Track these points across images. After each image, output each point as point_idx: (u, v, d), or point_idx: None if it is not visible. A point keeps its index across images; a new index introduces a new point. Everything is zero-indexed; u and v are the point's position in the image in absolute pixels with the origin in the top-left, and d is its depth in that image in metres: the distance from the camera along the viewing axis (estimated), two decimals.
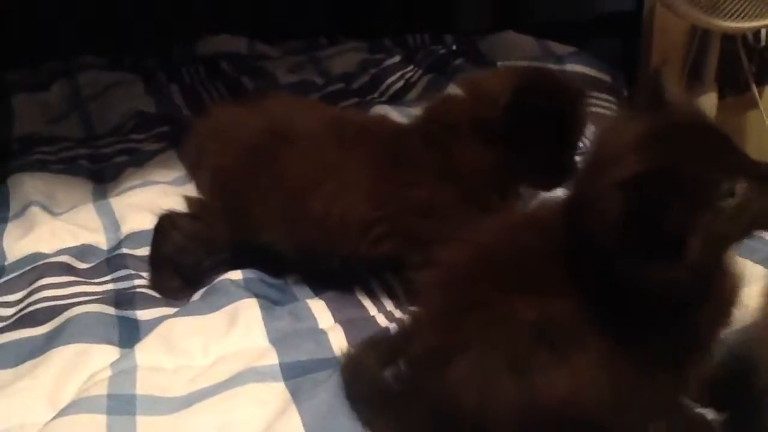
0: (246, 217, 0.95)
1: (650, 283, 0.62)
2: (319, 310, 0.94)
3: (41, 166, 1.36)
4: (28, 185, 1.27)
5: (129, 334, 0.91)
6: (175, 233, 0.98)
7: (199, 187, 1.02)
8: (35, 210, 1.19)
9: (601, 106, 1.78)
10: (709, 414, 0.80)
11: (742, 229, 0.63)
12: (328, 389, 0.77)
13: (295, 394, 0.78)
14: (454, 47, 1.82)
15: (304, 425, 0.73)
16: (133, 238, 1.12)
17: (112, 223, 1.18)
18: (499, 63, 1.74)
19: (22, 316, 0.95)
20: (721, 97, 2.03)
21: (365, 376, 0.77)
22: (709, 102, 1.97)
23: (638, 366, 0.66)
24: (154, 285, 1.01)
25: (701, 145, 0.62)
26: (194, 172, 1.06)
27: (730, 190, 0.61)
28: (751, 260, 1.00)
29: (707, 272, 0.64)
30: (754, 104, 2.06)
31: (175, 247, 0.98)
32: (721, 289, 0.68)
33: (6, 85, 1.70)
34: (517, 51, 1.84)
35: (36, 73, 1.75)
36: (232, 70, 1.78)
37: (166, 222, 0.99)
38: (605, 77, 1.81)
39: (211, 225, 0.97)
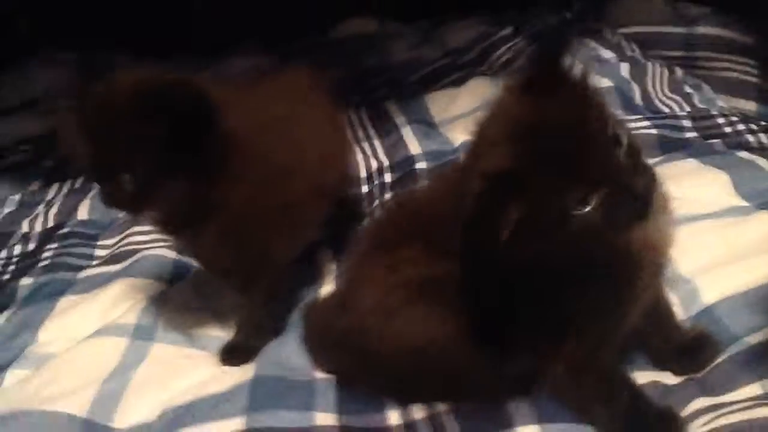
0: None
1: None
2: None
3: None
4: None
5: (180, 275, 1.09)
6: None
7: None
8: None
9: (738, 70, 1.64)
10: (670, 378, 0.79)
11: (596, 232, 0.63)
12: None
13: None
14: (568, 15, 1.78)
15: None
16: None
17: None
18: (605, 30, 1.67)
19: (111, 256, 1.17)
20: None
21: (319, 320, 0.87)
22: None
23: (520, 327, 0.69)
24: None
25: (570, 146, 0.61)
26: None
27: (585, 200, 0.61)
28: None
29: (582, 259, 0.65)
30: None
31: None
32: (612, 264, 0.67)
33: None
34: (644, 15, 1.75)
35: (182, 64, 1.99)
36: (356, 51, 1.91)
37: None
38: (746, 39, 1.66)
39: None
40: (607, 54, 1.51)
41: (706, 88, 1.50)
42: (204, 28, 2.03)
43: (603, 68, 1.45)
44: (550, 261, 0.64)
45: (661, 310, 0.80)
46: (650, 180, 0.64)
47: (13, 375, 0.91)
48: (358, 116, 1.57)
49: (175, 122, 0.77)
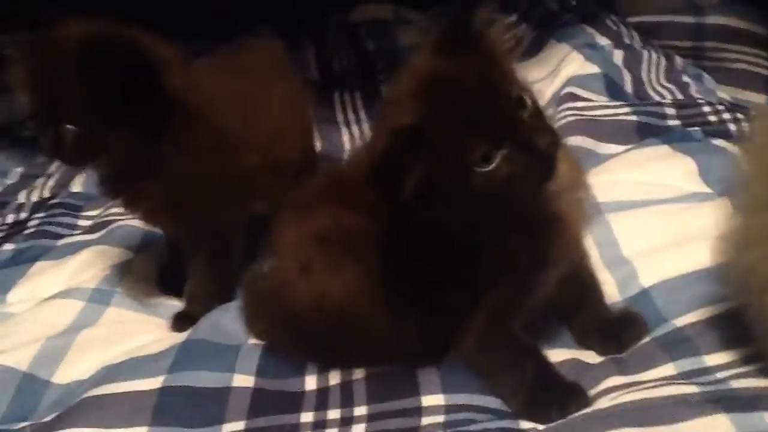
0: None
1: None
2: None
3: None
4: None
5: (148, 245, 1.13)
6: None
7: None
8: None
9: (748, 62, 1.59)
10: (591, 357, 0.78)
11: (501, 191, 0.63)
12: None
13: None
14: (573, 2, 1.75)
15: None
16: None
17: None
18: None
19: (92, 225, 1.22)
20: None
21: (255, 287, 0.89)
22: None
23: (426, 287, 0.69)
24: None
25: (474, 103, 0.62)
26: None
27: (487, 157, 0.61)
28: None
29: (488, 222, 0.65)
30: None
31: None
32: (522, 230, 0.67)
33: None
34: (652, 4, 1.71)
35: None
36: (365, 35, 1.92)
37: None
38: (757, 29, 1.61)
39: None
40: (603, 41, 1.48)
41: (707, 78, 1.46)
42: (218, 13, 2.07)
43: (594, 54, 1.42)
44: (458, 220, 0.65)
45: (586, 288, 0.79)
46: (553, 141, 0.64)
47: None
48: (352, 99, 1.59)
49: (117, 75, 0.79)
